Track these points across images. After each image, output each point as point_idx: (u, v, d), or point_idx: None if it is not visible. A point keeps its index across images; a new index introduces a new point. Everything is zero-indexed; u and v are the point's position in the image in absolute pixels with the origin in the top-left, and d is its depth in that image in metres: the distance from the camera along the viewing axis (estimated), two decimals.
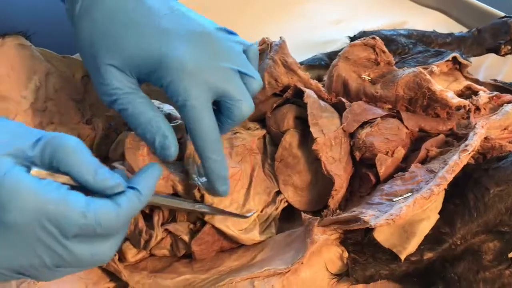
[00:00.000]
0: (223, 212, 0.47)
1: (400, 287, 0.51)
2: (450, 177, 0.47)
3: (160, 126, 0.43)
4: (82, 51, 0.44)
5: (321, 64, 0.64)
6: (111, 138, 0.54)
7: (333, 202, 0.51)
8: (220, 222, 0.48)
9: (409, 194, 0.47)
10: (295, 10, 0.78)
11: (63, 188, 0.33)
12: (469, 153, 0.49)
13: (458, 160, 0.48)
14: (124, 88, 0.42)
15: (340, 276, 0.48)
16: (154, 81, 0.43)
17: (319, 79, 0.59)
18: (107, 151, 0.54)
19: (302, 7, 0.79)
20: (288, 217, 0.54)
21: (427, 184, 0.47)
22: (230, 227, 0.48)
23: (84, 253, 0.34)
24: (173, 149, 0.43)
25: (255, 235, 0.49)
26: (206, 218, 0.47)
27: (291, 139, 0.53)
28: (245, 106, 0.44)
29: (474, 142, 0.50)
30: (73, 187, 0.33)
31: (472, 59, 0.66)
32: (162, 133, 0.42)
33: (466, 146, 0.50)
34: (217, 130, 0.44)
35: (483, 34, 0.67)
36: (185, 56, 0.42)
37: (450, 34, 0.68)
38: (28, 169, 0.32)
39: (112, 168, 0.44)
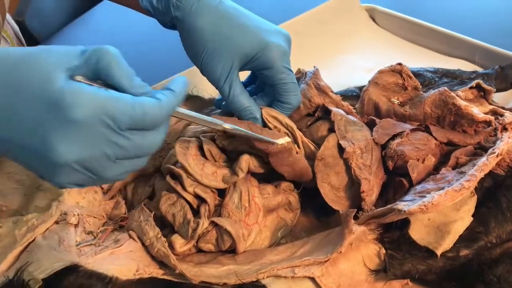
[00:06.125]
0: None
1: None
2: (479, 175, 0.50)
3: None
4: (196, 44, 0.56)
5: (353, 95, 0.69)
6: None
7: (366, 205, 0.53)
8: None
9: (440, 191, 0.50)
10: (337, 59, 0.88)
11: (110, 90, 0.39)
12: (497, 156, 0.52)
13: (486, 161, 0.51)
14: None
15: (377, 272, 0.49)
16: (256, 65, 0.56)
17: None
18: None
19: (343, 58, 0.88)
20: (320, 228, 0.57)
21: (457, 181, 0.50)
22: None
23: (140, 140, 0.40)
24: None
25: None
26: None
27: (334, 141, 0.56)
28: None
29: (501, 146, 0.53)
30: None
31: (498, 98, 0.70)
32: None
33: (493, 149, 0.53)
34: None
35: (506, 70, 0.72)
36: (281, 43, 0.56)
37: (474, 71, 0.73)
38: (72, 78, 0.37)
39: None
